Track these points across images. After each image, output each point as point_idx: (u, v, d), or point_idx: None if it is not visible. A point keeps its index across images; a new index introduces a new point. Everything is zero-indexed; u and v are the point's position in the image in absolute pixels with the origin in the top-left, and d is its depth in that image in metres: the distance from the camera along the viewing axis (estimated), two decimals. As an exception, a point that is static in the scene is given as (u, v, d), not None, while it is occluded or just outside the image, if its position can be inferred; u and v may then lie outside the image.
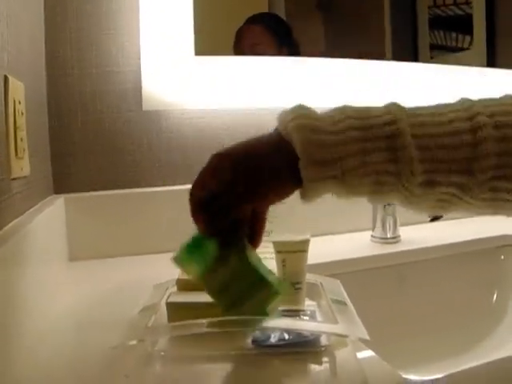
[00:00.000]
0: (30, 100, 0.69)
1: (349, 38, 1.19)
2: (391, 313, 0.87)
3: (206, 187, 0.48)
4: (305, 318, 0.57)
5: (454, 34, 1.33)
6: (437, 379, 0.58)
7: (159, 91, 0.91)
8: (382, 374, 0.47)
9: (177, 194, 0.49)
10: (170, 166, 0.96)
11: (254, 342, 0.50)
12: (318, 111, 0.48)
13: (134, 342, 0.48)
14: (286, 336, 0.51)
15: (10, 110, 0.57)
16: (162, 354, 0.50)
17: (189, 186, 0.49)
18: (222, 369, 0.48)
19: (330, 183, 0.45)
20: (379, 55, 1.20)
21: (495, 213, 0.49)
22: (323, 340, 0.51)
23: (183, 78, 0.92)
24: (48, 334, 0.56)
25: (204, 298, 0.50)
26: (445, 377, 0.58)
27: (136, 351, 0.49)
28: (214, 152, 0.48)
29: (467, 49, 1.32)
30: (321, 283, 0.62)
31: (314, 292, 0.61)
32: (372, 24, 1.25)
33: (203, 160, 0.49)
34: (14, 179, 0.58)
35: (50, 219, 0.73)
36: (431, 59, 1.30)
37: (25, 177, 0.65)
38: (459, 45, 1.32)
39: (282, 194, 0.48)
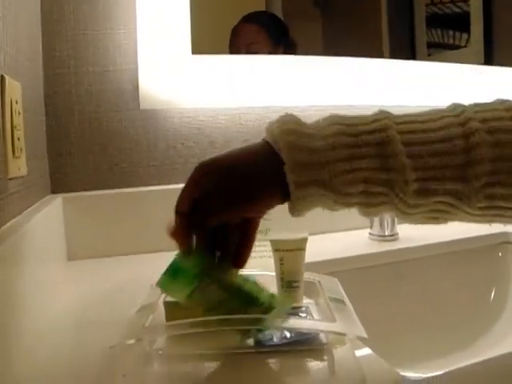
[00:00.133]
0: (27, 99, 0.68)
1: (346, 36, 1.19)
2: (389, 310, 0.87)
3: (190, 198, 0.47)
4: (303, 315, 0.57)
5: (451, 32, 1.33)
6: (435, 376, 0.59)
7: (156, 90, 0.91)
8: (380, 371, 0.47)
9: (174, 193, 0.48)
10: (167, 165, 0.96)
11: (256, 342, 0.50)
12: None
13: (131, 342, 0.48)
14: (288, 335, 0.51)
15: (7, 110, 0.57)
16: (160, 353, 0.50)
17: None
18: (220, 368, 0.48)
19: (317, 189, 0.43)
20: (377, 53, 1.20)
21: (491, 221, 0.47)
22: (322, 338, 0.51)
23: (180, 77, 0.92)
24: (47, 333, 0.56)
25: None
26: (443, 374, 0.58)
27: (134, 350, 0.49)
28: (211, 151, 0.48)
29: (464, 47, 1.32)
30: (319, 281, 0.62)
31: (312, 290, 0.61)
32: (369, 22, 1.25)
33: (201, 159, 0.49)
34: (11, 179, 0.58)
35: (47, 219, 0.73)
36: (428, 57, 1.30)
37: (22, 176, 0.64)
38: (456, 43, 1.32)
39: (267, 204, 0.46)
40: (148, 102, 0.92)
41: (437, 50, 1.32)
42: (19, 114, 0.62)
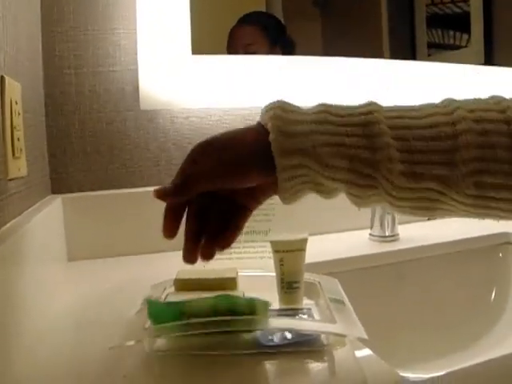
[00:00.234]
0: (27, 100, 0.68)
1: (346, 35, 1.19)
2: (389, 311, 0.87)
3: (184, 172, 0.48)
4: (303, 316, 0.57)
5: (451, 32, 1.33)
6: (435, 377, 0.59)
7: (157, 90, 0.91)
8: (381, 372, 0.47)
9: (175, 194, 0.48)
10: (167, 165, 0.96)
11: (257, 343, 0.50)
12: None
13: (131, 343, 0.48)
14: (289, 336, 0.51)
15: (7, 110, 0.57)
16: (160, 354, 0.50)
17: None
18: (221, 368, 0.48)
19: (301, 158, 0.44)
20: (377, 53, 1.20)
21: (485, 215, 0.47)
22: (323, 339, 0.51)
23: (180, 77, 0.92)
24: (47, 333, 0.56)
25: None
26: (444, 375, 0.58)
27: (134, 351, 0.49)
28: None
29: (465, 47, 1.32)
30: (319, 282, 0.62)
31: (312, 291, 0.61)
32: (369, 22, 1.25)
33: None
34: (11, 179, 0.58)
35: (48, 219, 0.73)
36: (429, 57, 1.30)
37: (22, 177, 0.64)
38: (457, 43, 1.32)
39: (255, 174, 0.47)
40: (148, 103, 0.92)
41: (437, 50, 1.32)
42: (19, 114, 0.62)
